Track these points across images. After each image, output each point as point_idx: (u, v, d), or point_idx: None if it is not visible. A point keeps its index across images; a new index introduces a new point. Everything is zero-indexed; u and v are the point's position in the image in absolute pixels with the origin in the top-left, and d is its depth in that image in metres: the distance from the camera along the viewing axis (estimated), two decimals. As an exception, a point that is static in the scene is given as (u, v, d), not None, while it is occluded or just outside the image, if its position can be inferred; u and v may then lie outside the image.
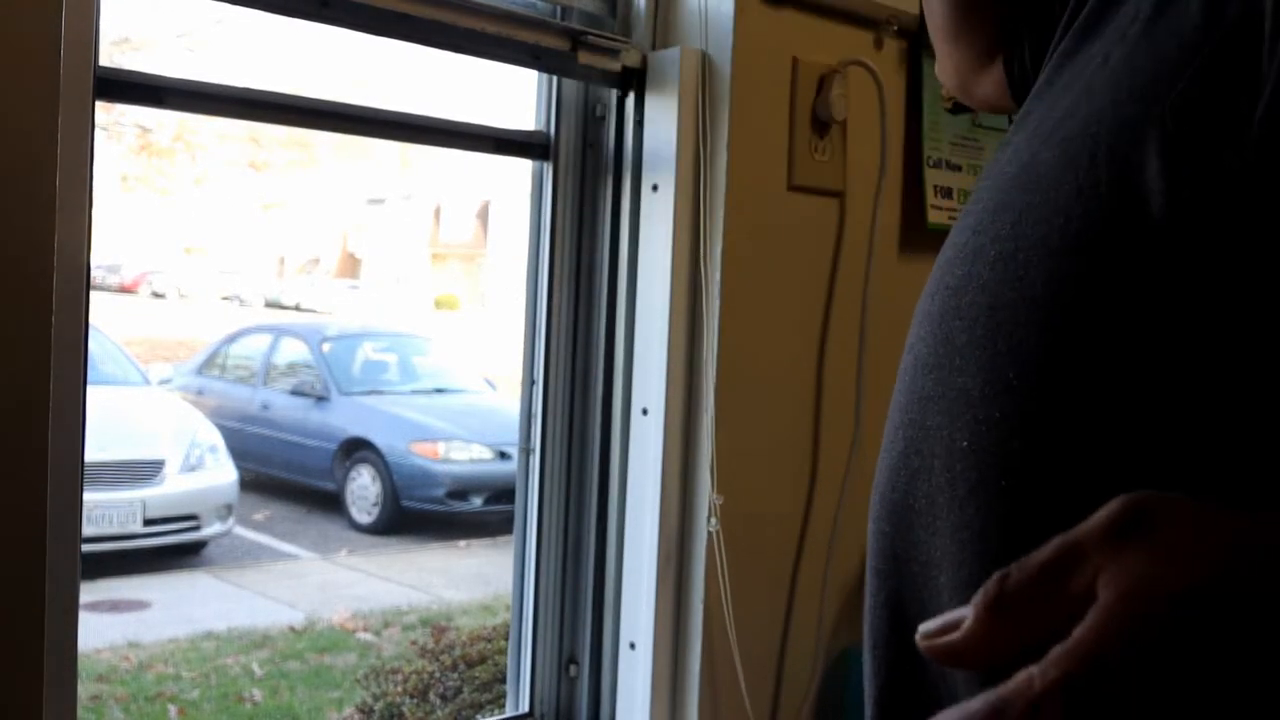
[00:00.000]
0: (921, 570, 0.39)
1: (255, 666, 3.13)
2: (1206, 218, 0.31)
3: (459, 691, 2.10)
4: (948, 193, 1.22)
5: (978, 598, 0.26)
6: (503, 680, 1.32)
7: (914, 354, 0.41)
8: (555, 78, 1.04)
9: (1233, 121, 0.31)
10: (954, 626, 0.26)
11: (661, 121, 1.04)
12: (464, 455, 4.79)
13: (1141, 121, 0.33)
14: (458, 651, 2.19)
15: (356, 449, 4.85)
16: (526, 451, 1.09)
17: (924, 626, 0.27)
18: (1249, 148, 0.30)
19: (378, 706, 2.25)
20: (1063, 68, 0.40)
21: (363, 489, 4.79)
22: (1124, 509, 0.26)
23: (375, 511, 4.74)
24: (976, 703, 0.25)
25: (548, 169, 1.06)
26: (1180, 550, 0.24)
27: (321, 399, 5.03)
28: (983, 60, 0.53)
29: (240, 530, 4.36)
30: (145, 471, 3.91)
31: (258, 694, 2.97)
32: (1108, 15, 0.38)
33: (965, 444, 0.36)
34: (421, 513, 4.73)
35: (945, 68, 0.57)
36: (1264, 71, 0.31)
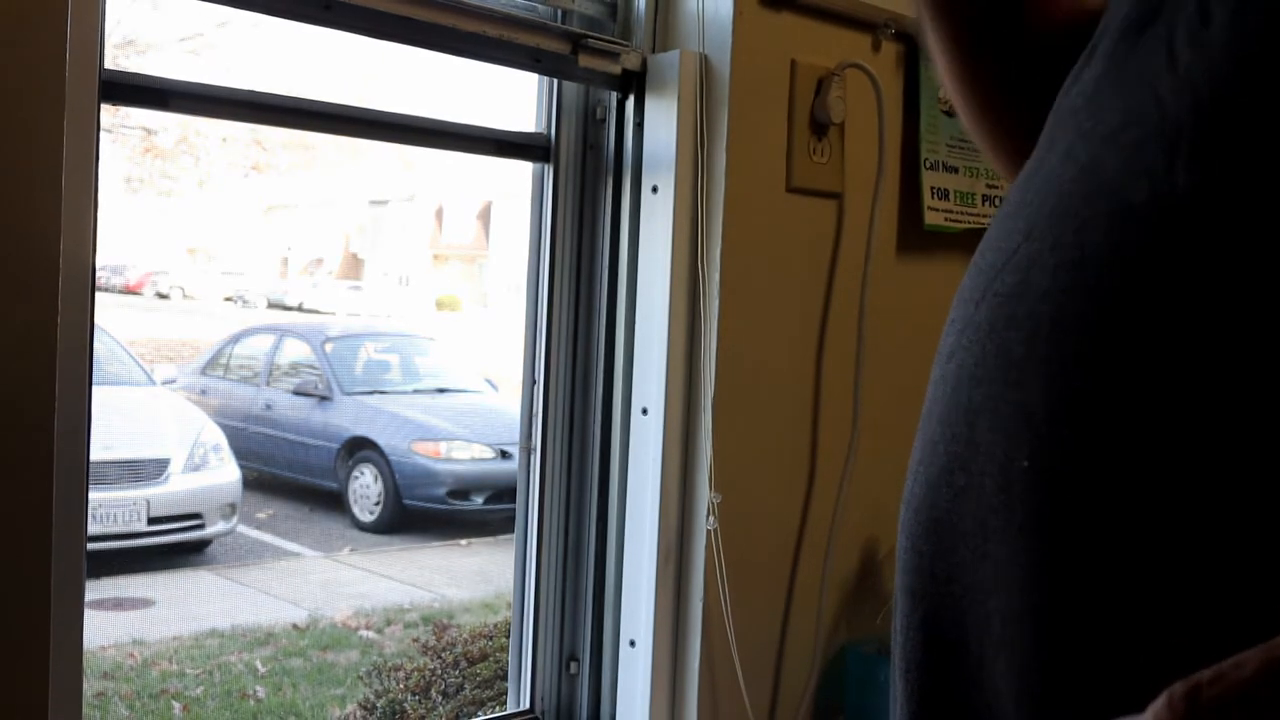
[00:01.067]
0: (965, 594, 0.36)
1: (258, 664, 3.14)
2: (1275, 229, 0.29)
3: (460, 689, 2.11)
4: (944, 194, 1.22)
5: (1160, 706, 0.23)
6: (504, 677, 1.33)
7: (957, 362, 0.38)
8: (556, 80, 1.05)
9: None
10: None
11: (661, 124, 1.05)
12: (465, 455, 4.80)
13: (1223, 128, 0.31)
14: (459, 649, 2.20)
15: (359, 448, 4.86)
16: (527, 451, 1.09)
17: None
18: None
19: (380, 703, 2.26)
20: (1115, 64, 0.37)
21: (365, 488, 4.80)
22: None
23: (377, 510, 4.75)
24: None
25: (548, 171, 1.06)
26: None
27: (324, 399, 5.04)
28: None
29: (243, 529, 4.37)
30: (150, 471, 3.92)
31: (261, 691, 2.98)
32: (1164, 9, 0.35)
33: (1025, 464, 0.33)
34: (423, 511, 4.74)
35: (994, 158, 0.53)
36: None
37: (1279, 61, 0.31)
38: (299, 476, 5.02)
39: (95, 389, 0.74)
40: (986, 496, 0.35)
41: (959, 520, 0.37)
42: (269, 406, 5.16)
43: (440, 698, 2.14)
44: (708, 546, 1.05)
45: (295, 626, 3.50)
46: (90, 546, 0.75)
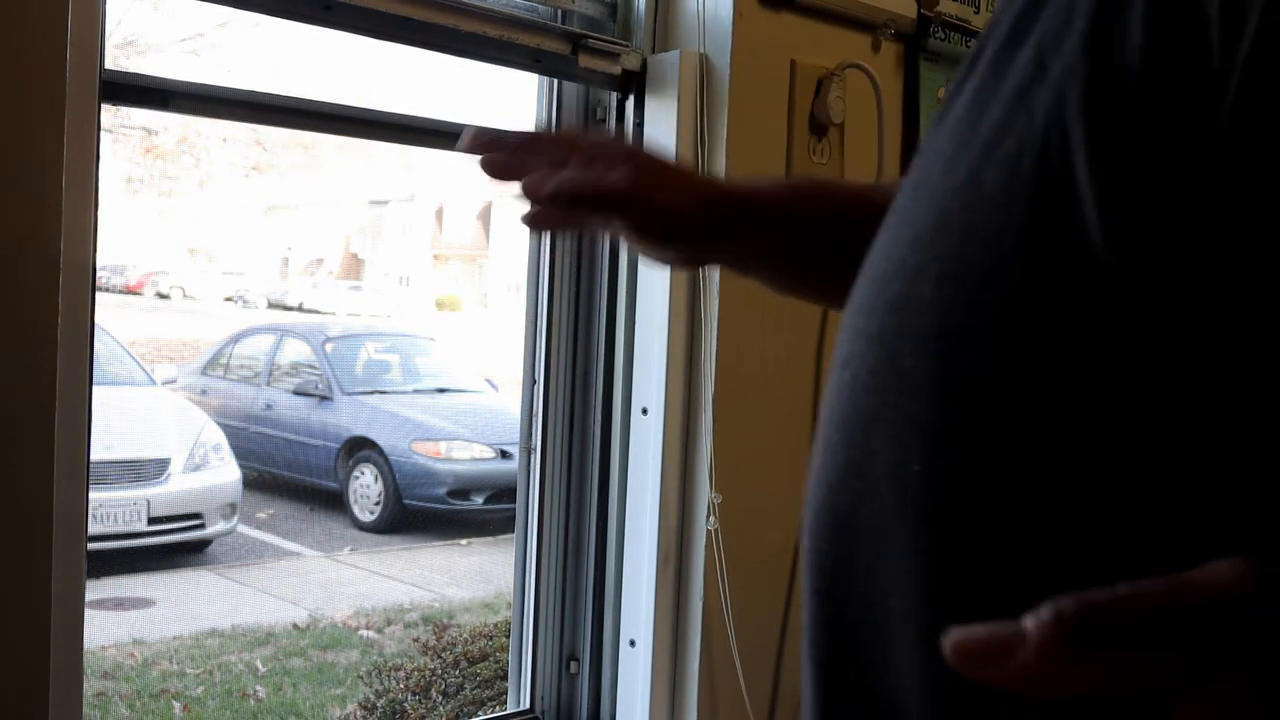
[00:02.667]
0: (867, 593, 0.38)
1: (259, 663, 3.14)
2: (1147, 243, 0.30)
3: (460, 688, 2.11)
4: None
5: (1046, 617, 0.22)
6: (504, 677, 1.33)
7: (852, 371, 0.39)
8: (556, 81, 1.05)
9: (1179, 129, 0.30)
10: (1005, 646, 0.23)
11: (661, 124, 1.05)
12: (465, 454, 4.81)
13: (1080, 143, 0.32)
14: (459, 649, 2.20)
15: (359, 448, 4.86)
16: (528, 451, 1.09)
17: (960, 635, 0.24)
18: (1204, 155, 0.29)
19: (380, 703, 2.26)
20: (993, 73, 0.38)
21: (365, 488, 4.81)
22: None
23: (377, 510, 4.76)
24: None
25: (548, 171, 1.06)
26: None
27: (324, 399, 5.05)
28: None
29: (244, 529, 4.37)
30: (150, 470, 3.93)
31: (261, 691, 2.98)
32: (1035, 20, 0.36)
33: (917, 469, 0.35)
34: (423, 511, 4.74)
35: None
36: (1214, 67, 0.29)
37: (1122, 66, 0.32)
38: (299, 476, 5.02)
39: (95, 389, 0.74)
40: (883, 498, 0.37)
41: (859, 522, 0.38)
42: (269, 406, 5.17)
43: (440, 697, 2.14)
44: (708, 546, 1.05)
45: (295, 626, 3.50)
46: (91, 546, 0.76)
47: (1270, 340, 0.29)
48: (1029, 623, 0.23)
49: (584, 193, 0.54)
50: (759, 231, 0.59)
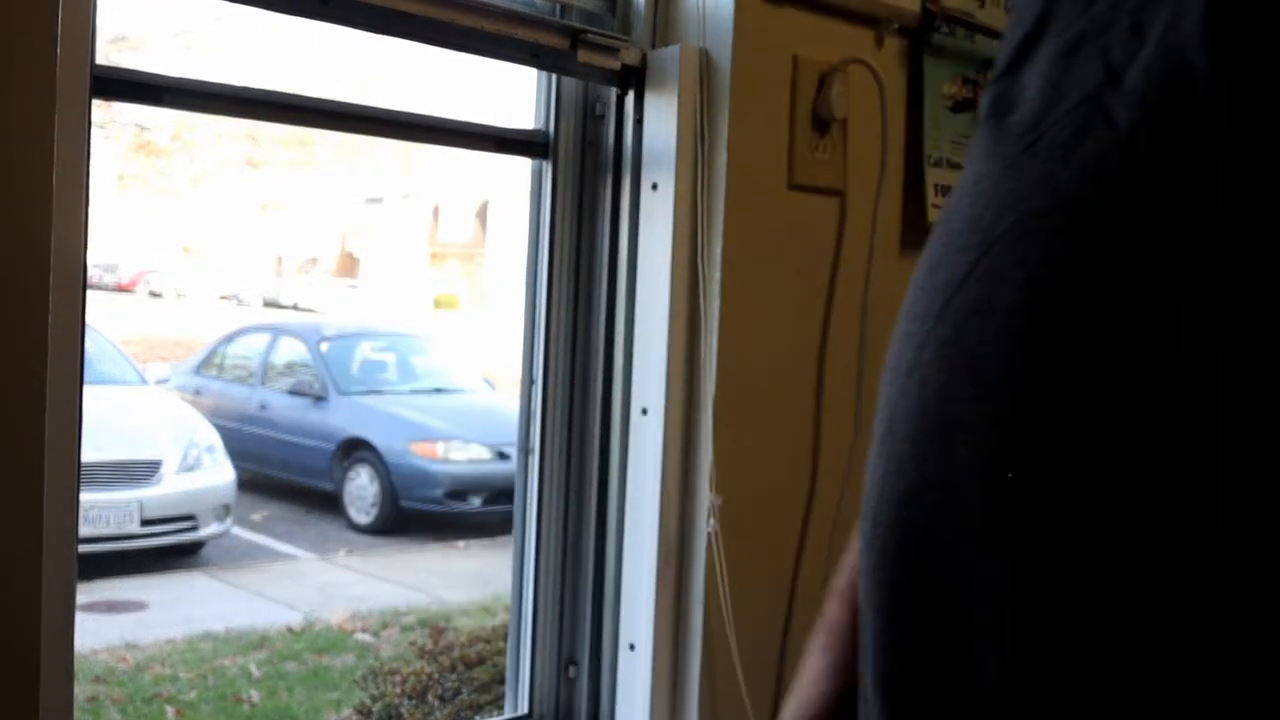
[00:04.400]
0: (945, 609, 0.37)
1: (253, 667, 3.12)
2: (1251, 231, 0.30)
3: (458, 692, 2.10)
4: (949, 191, 1.21)
5: None
6: (502, 681, 1.32)
7: (920, 378, 0.38)
8: (555, 76, 1.04)
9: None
10: None
11: (661, 120, 1.04)
12: (463, 455, 4.79)
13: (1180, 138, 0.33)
14: (456, 652, 2.19)
15: (355, 449, 4.84)
16: (526, 452, 1.08)
17: None
18: None
19: (376, 708, 2.25)
20: (1051, 81, 0.38)
21: (361, 489, 4.79)
22: None
23: (374, 512, 4.74)
24: None
25: (547, 168, 1.05)
26: None
27: (320, 399, 5.03)
28: None
29: (238, 530, 4.35)
30: (142, 472, 3.90)
31: (255, 695, 2.96)
32: (1093, 28, 0.37)
33: (1010, 475, 0.34)
34: (420, 513, 4.72)
35: None
36: None
37: (1211, 69, 0.32)
38: (294, 477, 5.00)
39: (86, 388, 0.73)
40: (966, 509, 0.36)
41: (936, 534, 0.37)
42: (264, 406, 5.14)
43: (437, 702, 2.12)
44: (708, 549, 1.04)
45: (290, 629, 3.48)
46: (82, 548, 0.75)
47: None
48: None
49: None
50: None
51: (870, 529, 0.41)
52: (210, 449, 4.24)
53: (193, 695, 2.95)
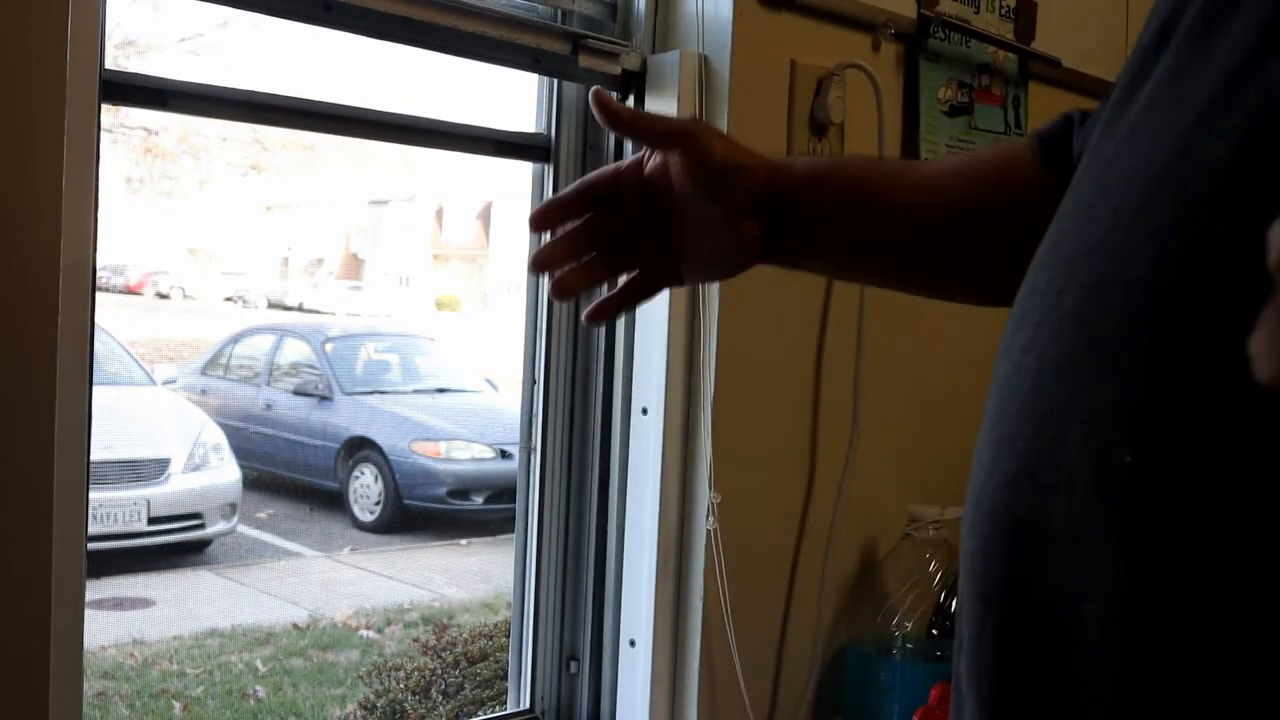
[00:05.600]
0: (1051, 597, 0.34)
1: (259, 663, 3.14)
2: None
3: (460, 688, 2.12)
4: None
5: None
6: (504, 677, 1.33)
7: (1036, 355, 0.36)
8: (556, 81, 1.05)
9: None
10: None
11: (661, 124, 1.05)
12: (465, 454, 4.80)
13: None
14: (459, 649, 2.20)
15: (359, 448, 4.86)
16: (527, 451, 1.09)
17: None
18: None
19: (380, 703, 2.26)
20: (1193, 52, 0.36)
21: (365, 488, 4.80)
22: None
23: (377, 510, 4.75)
24: None
25: (548, 171, 1.06)
26: None
27: (324, 399, 5.04)
28: None
29: (244, 529, 4.37)
30: (150, 470, 3.92)
31: (261, 691, 2.98)
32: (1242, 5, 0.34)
33: (1128, 459, 0.32)
34: (423, 511, 4.74)
35: None
36: None
37: None
38: (299, 476, 5.02)
39: (95, 389, 0.74)
40: (1077, 493, 0.34)
41: (1043, 519, 0.35)
42: (269, 406, 5.16)
43: (440, 697, 2.14)
44: (707, 546, 1.05)
45: (295, 626, 3.50)
46: (90, 546, 0.75)
47: None
48: None
49: (648, 121, 0.56)
50: (821, 199, 0.58)
51: (973, 513, 0.39)
52: (216, 448, 4.26)
53: (199, 691, 2.97)
